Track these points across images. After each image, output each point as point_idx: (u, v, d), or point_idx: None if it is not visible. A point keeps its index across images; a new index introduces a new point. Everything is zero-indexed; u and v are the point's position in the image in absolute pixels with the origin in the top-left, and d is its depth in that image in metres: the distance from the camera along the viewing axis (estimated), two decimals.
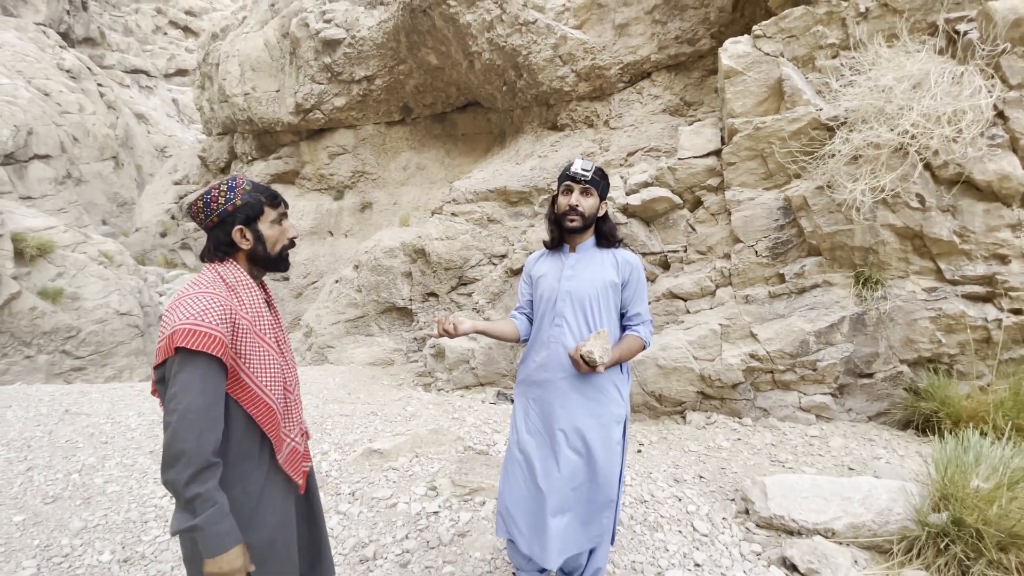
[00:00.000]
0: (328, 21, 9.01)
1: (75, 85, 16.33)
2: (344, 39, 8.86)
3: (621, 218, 4.73)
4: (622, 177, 5.11)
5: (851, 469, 3.21)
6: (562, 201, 1.91)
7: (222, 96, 11.18)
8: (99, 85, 17.72)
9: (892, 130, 3.53)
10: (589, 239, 1.97)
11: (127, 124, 18.38)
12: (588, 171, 1.86)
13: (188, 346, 1.21)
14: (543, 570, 2.05)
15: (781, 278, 4.05)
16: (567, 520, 1.84)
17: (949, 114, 3.43)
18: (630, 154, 5.83)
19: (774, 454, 3.48)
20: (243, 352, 1.33)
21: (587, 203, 1.88)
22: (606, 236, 1.96)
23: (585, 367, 1.75)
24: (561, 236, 1.97)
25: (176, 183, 15.29)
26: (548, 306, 1.95)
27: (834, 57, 4.15)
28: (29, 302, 8.09)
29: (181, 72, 23.56)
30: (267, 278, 1.63)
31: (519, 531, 1.89)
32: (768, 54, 4.25)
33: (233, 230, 1.38)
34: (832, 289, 3.89)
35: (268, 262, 1.45)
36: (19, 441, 3.76)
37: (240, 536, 1.26)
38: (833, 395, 3.86)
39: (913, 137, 3.49)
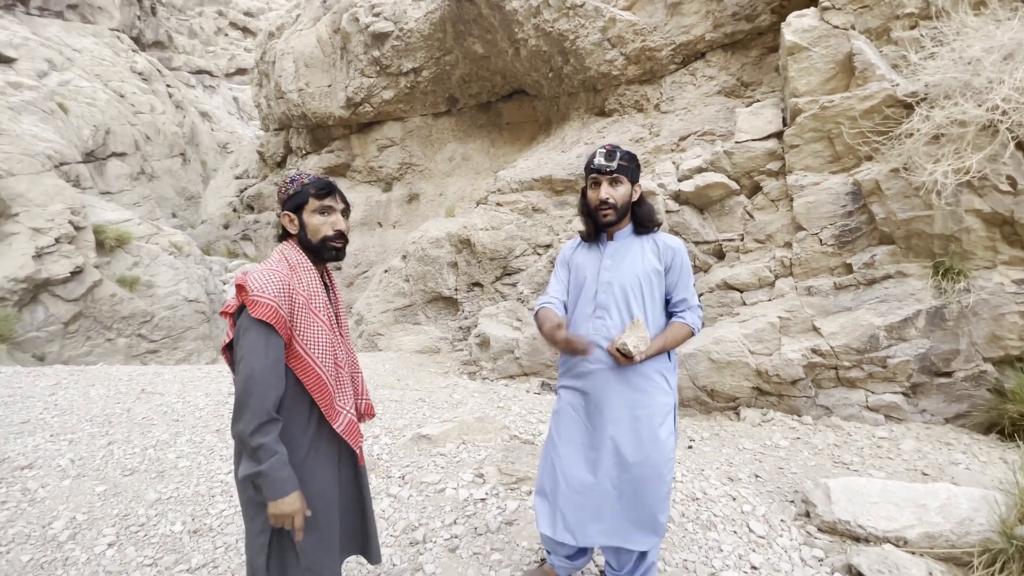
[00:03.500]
0: (377, 15, 9.15)
1: (146, 87, 17.45)
2: (392, 32, 8.98)
3: (673, 205, 4.57)
4: (674, 162, 4.93)
5: (925, 474, 2.98)
6: (592, 195, 1.86)
7: (278, 92, 11.62)
8: (168, 86, 18.86)
9: (980, 106, 3.21)
10: (627, 226, 1.91)
11: (193, 122, 19.49)
12: (612, 160, 1.78)
13: (252, 314, 1.37)
14: (573, 556, 2.02)
15: (848, 268, 3.79)
16: (607, 507, 1.81)
17: None
18: (682, 138, 5.61)
19: (837, 455, 3.28)
20: (298, 325, 1.46)
21: (618, 193, 1.81)
22: (643, 221, 1.88)
23: (622, 359, 1.72)
24: (597, 228, 1.92)
25: (237, 177, 16.11)
26: (588, 298, 1.90)
27: (912, 28, 3.81)
28: (109, 289, 8.77)
29: (241, 71, 24.69)
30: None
31: (554, 511, 1.87)
32: (837, 27, 3.95)
33: (282, 215, 1.55)
34: (907, 280, 3.61)
35: (310, 249, 1.54)
36: (101, 417, 4.08)
37: (297, 483, 1.42)
38: (905, 394, 3.60)
39: (1004, 113, 3.17)
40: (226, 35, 25.42)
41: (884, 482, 2.54)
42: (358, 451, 1.65)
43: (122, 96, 16.09)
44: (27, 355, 7.72)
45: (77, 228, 8.68)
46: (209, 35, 24.67)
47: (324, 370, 1.49)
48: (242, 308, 1.42)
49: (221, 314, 1.50)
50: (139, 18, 19.82)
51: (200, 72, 23.22)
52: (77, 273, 8.32)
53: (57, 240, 8.23)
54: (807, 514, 2.63)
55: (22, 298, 7.75)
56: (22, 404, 4.28)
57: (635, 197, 1.87)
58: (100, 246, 9.09)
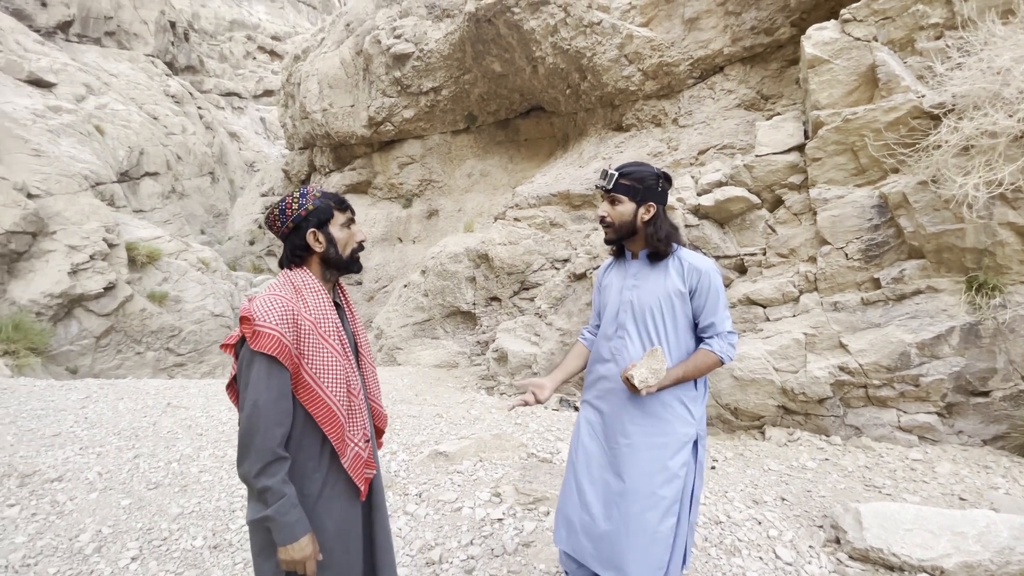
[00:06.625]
0: (398, 37, 9.38)
1: (179, 109, 18.15)
2: (413, 53, 9.18)
3: (692, 219, 4.52)
4: (693, 177, 4.89)
5: (962, 499, 2.84)
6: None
7: (303, 113, 11.95)
8: (199, 108, 19.58)
9: (1011, 116, 3.11)
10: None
11: (222, 142, 20.15)
12: (606, 179, 1.77)
13: (252, 346, 1.29)
14: None
15: (876, 283, 3.68)
16: (615, 535, 1.75)
17: None
18: (701, 152, 5.57)
19: (868, 478, 3.16)
20: (306, 353, 1.37)
21: (616, 211, 1.78)
22: (650, 243, 1.77)
23: (632, 388, 1.67)
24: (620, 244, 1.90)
25: (263, 195, 16.53)
26: (611, 317, 1.88)
27: (938, 38, 3.73)
28: (140, 304, 9.04)
29: (268, 93, 25.53)
30: (344, 281, 1.67)
31: (568, 532, 1.85)
32: (859, 39, 3.90)
33: (307, 233, 1.44)
34: (938, 296, 3.49)
35: (341, 263, 1.50)
36: (128, 431, 4.18)
37: (309, 526, 1.33)
38: (940, 415, 3.45)
39: None
40: (254, 59, 26.35)
41: (919, 507, 2.43)
42: (362, 488, 1.49)
43: (155, 118, 16.75)
44: (60, 368, 7.97)
45: (111, 245, 9.00)
46: (238, 59, 25.60)
47: (335, 401, 1.39)
48: (243, 340, 1.33)
49: (222, 347, 1.39)
50: (172, 44, 20.69)
51: (229, 94, 24.07)
52: (110, 289, 8.61)
53: (92, 257, 8.55)
54: (837, 540, 2.52)
55: (57, 313, 8.03)
56: (54, 417, 4.41)
57: (645, 217, 1.77)
58: (132, 262, 9.40)
